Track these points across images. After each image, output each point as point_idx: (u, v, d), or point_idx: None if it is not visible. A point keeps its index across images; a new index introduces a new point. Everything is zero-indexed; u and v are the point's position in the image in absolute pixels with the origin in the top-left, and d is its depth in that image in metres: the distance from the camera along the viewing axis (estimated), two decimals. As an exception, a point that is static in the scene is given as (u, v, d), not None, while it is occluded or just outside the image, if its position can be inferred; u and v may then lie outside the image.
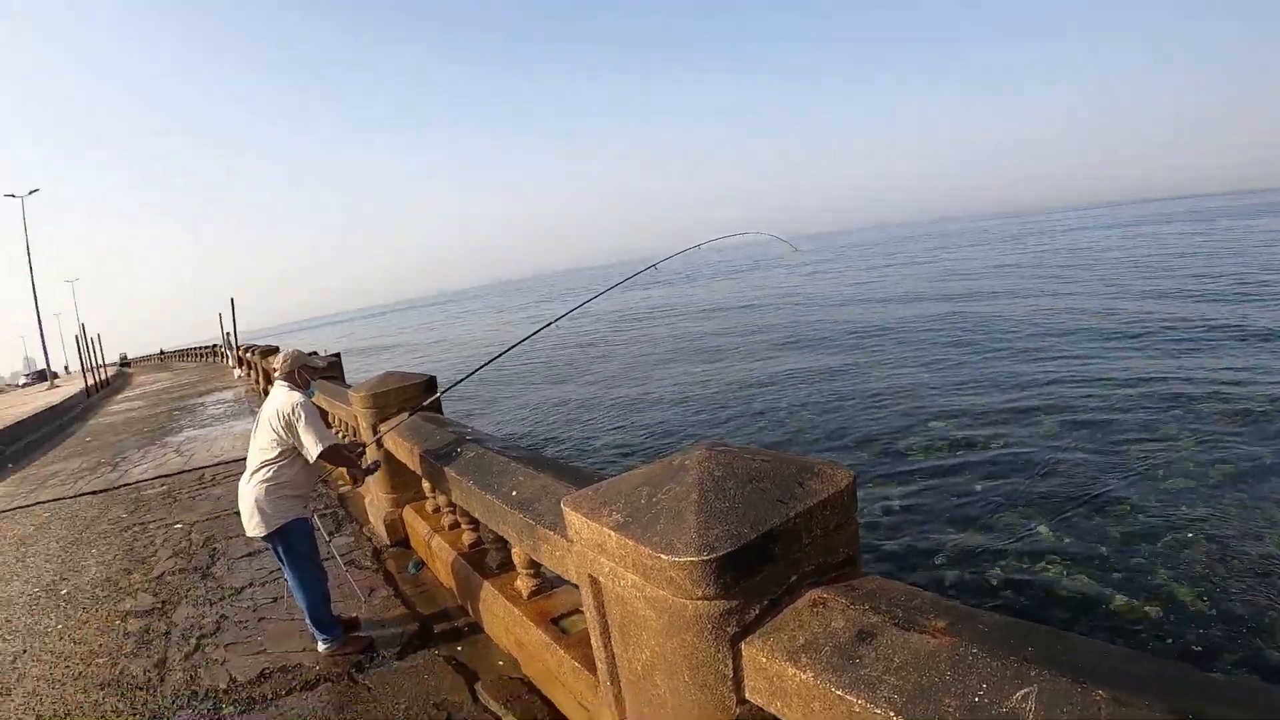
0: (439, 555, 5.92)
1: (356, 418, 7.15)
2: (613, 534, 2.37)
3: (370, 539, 7.47)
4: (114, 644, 5.87)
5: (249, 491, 4.92)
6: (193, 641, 5.69)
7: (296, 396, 4.91)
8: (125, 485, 12.04)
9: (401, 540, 7.01)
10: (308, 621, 5.14)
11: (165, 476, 12.20)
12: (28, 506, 11.59)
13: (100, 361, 42.99)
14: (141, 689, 5.10)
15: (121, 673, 5.38)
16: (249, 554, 7.42)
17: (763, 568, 2.11)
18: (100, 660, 5.63)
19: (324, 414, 6.16)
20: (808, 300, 49.36)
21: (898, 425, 16.14)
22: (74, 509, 10.88)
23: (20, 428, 20.29)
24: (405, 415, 6.25)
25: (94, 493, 11.86)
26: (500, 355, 6.00)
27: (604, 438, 19.20)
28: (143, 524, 9.33)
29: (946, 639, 1.78)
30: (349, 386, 7.45)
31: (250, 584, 6.67)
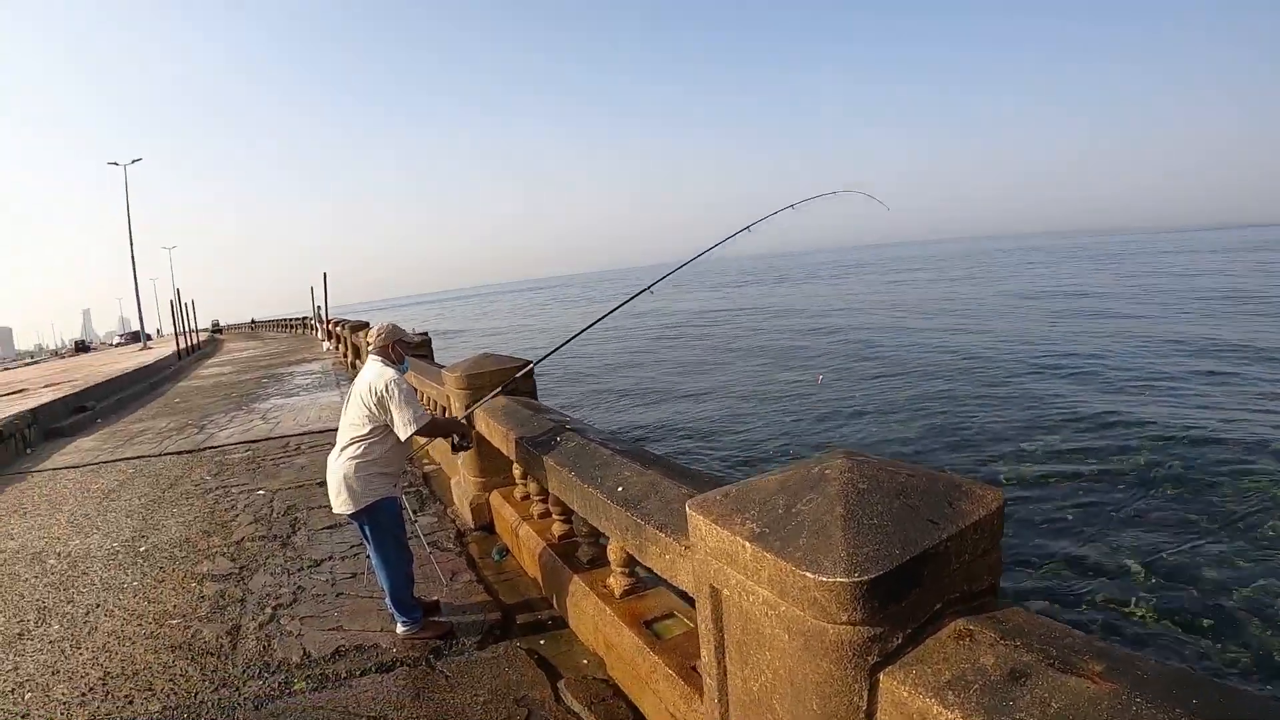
0: (525, 544, 5.61)
1: (449, 398, 6.89)
2: (747, 545, 2.18)
3: (454, 521, 7.23)
4: (188, 606, 5.71)
5: (338, 467, 4.67)
6: (268, 611, 5.48)
7: (390, 372, 4.65)
8: (210, 448, 12.07)
9: (486, 525, 6.74)
10: (388, 602, 4.88)
11: (251, 442, 12.20)
12: (113, 462, 11.68)
13: (193, 326, 43.93)
14: (213, 655, 4.91)
15: (194, 636, 5.20)
16: (330, 526, 7.22)
17: (910, 593, 1.95)
18: (173, 621, 5.46)
19: (414, 392, 5.92)
20: (897, 312, 47.77)
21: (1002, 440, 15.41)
22: (158, 467, 10.91)
23: (111, 385, 20.67)
24: (500, 397, 5.96)
25: (179, 453, 11.90)
26: (595, 323, 5.73)
27: (697, 435, 18.68)
28: (225, 488, 9.26)
29: (1106, 685, 1.64)
30: (441, 366, 7.20)
31: (330, 557, 6.45)
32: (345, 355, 23.75)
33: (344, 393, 18.12)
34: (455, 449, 5.21)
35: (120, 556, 7.00)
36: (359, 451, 4.62)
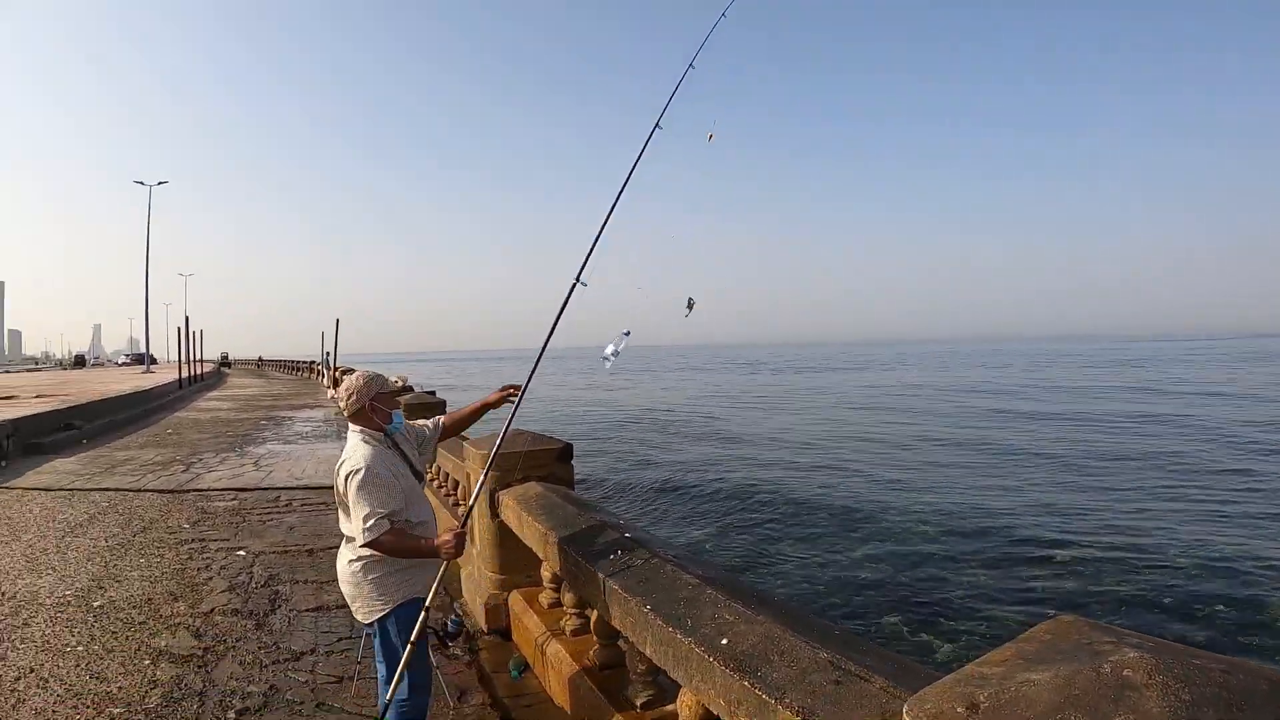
0: (554, 665, 4.61)
1: (469, 476, 5.97)
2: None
3: (463, 619, 6.10)
4: (136, 692, 4.74)
5: (343, 568, 3.72)
6: (229, 717, 4.49)
7: (359, 452, 3.58)
8: (195, 490, 11.11)
9: (502, 629, 5.71)
10: None
11: (239, 490, 11.22)
12: (88, 490, 10.75)
13: (199, 356, 43.26)
14: (154, 772, 3.94)
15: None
16: (316, 609, 6.22)
17: None
18: (115, 710, 4.50)
19: (388, 480, 4.47)
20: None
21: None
22: (135, 505, 9.96)
23: (104, 405, 19.82)
24: (533, 484, 5.07)
25: (160, 491, 10.95)
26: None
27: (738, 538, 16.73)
28: (203, 540, 8.27)
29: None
30: (464, 439, 6.22)
31: (313, 649, 5.44)
32: (345, 401, 22.86)
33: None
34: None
35: (70, 609, 6.05)
36: (361, 551, 3.59)
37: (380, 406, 3.70)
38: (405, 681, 3.53)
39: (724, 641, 2.70)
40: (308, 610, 6.22)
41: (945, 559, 14.35)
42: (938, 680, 1.79)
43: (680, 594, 3.17)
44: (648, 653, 3.19)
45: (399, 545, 3.50)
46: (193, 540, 8.25)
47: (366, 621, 3.65)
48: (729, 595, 3.03)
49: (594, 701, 4.02)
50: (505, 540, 5.52)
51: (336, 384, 30.07)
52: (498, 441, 4.69)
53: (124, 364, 71.71)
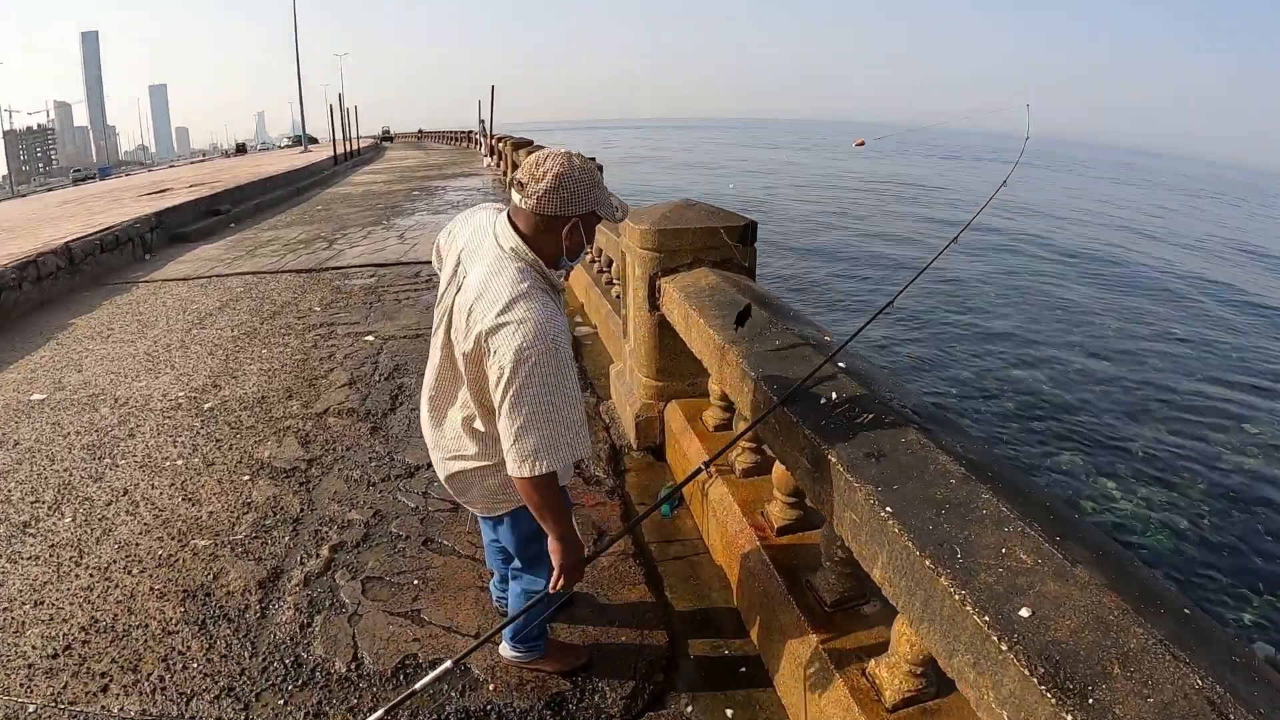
0: (717, 513, 3.53)
1: (625, 257, 4.77)
2: None
3: (608, 428, 5.11)
4: (226, 519, 4.03)
5: (437, 457, 2.47)
6: (324, 553, 3.69)
7: (533, 306, 1.99)
8: (333, 268, 10.46)
9: (654, 446, 4.66)
10: (497, 601, 3.04)
11: (378, 266, 10.51)
12: (226, 276, 10.23)
13: (355, 133, 43.06)
14: (230, 624, 3.23)
15: (216, 580, 3.52)
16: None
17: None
18: (200, 543, 3.80)
19: (567, 364, 2.89)
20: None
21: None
22: (270, 288, 9.36)
23: (254, 187, 19.49)
24: (705, 270, 3.84)
25: (298, 271, 10.36)
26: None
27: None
28: (331, 325, 7.55)
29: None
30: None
31: (428, 462, 4.58)
32: (506, 173, 21.88)
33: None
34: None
35: (180, 413, 5.41)
36: (457, 442, 2.36)
37: (584, 231, 2.12)
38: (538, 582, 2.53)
39: (1024, 613, 1.53)
40: (431, 412, 5.36)
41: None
42: None
43: (939, 492, 1.94)
44: (875, 577, 1.99)
45: (548, 501, 2.11)
46: (320, 325, 7.54)
47: (486, 516, 2.56)
48: (1020, 512, 1.80)
49: (768, 585, 2.91)
50: (665, 339, 4.37)
51: (493, 152, 29.26)
52: (660, 215, 3.44)
53: (285, 147, 73.09)
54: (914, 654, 2.11)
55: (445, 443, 2.38)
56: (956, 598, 1.62)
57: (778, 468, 2.97)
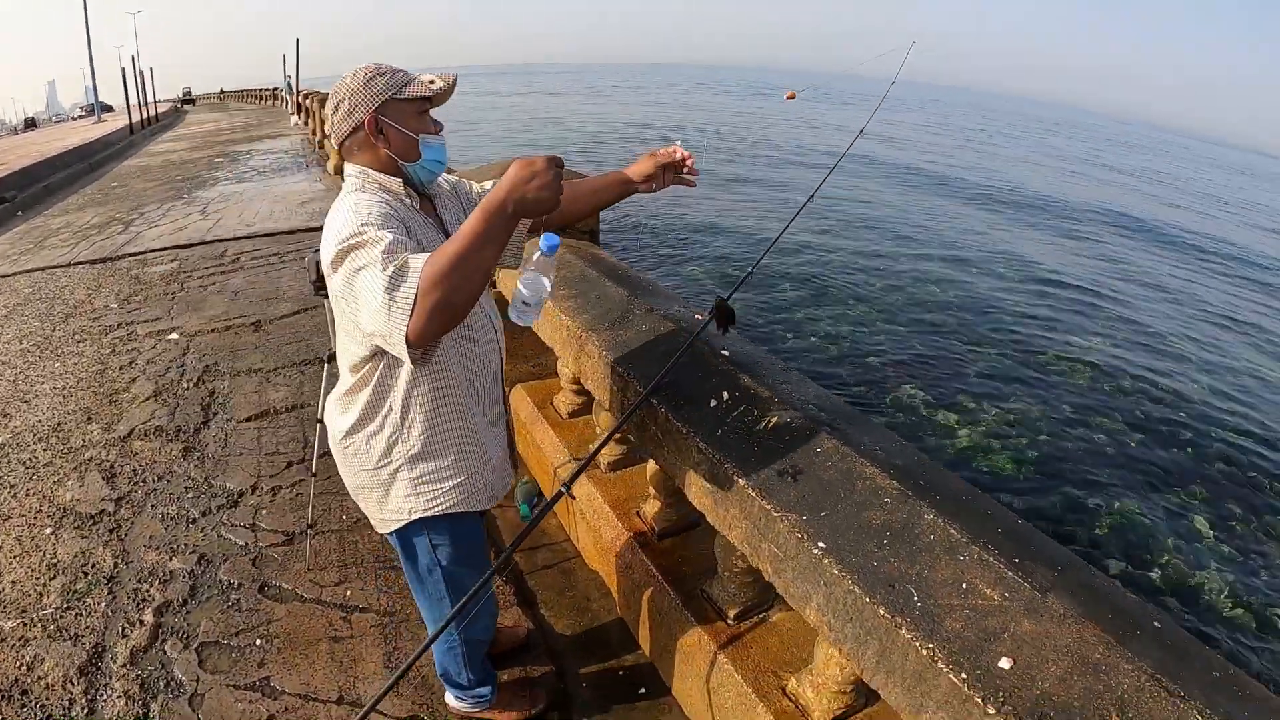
0: (586, 515, 3.19)
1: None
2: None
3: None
4: (32, 588, 3.43)
5: (336, 452, 2.07)
6: (146, 618, 3.18)
7: (346, 204, 1.74)
8: (129, 255, 9.44)
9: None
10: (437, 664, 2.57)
11: (179, 248, 9.55)
12: (11, 276, 9.12)
13: (151, 98, 39.90)
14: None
15: (29, 673, 2.95)
16: (258, 416, 4.83)
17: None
18: (6, 625, 3.22)
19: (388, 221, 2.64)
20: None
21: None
22: (61, 285, 8.36)
23: (42, 167, 17.65)
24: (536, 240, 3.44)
25: (90, 262, 9.31)
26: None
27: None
28: (130, 325, 6.76)
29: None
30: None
31: (254, 485, 4.09)
32: (314, 133, 20.62)
33: (310, 179, 15.16)
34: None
35: (-29, 447, 4.69)
36: (351, 416, 1.97)
37: (394, 125, 1.81)
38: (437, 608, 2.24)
39: (1004, 664, 1.33)
40: (248, 419, 4.81)
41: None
42: None
43: (875, 515, 1.70)
44: (809, 619, 1.72)
45: (443, 272, 1.47)
46: (119, 325, 6.75)
47: (382, 531, 2.17)
48: (971, 533, 1.62)
49: (659, 600, 2.61)
50: (505, 319, 3.94)
51: (300, 109, 27.65)
52: (489, 179, 3.01)
53: (79, 118, 67.41)
54: (844, 676, 1.88)
55: (338, 431, 2.04)
56: (924, 652, 1.38)
57: (652, 465, 2.67)
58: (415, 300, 1.46)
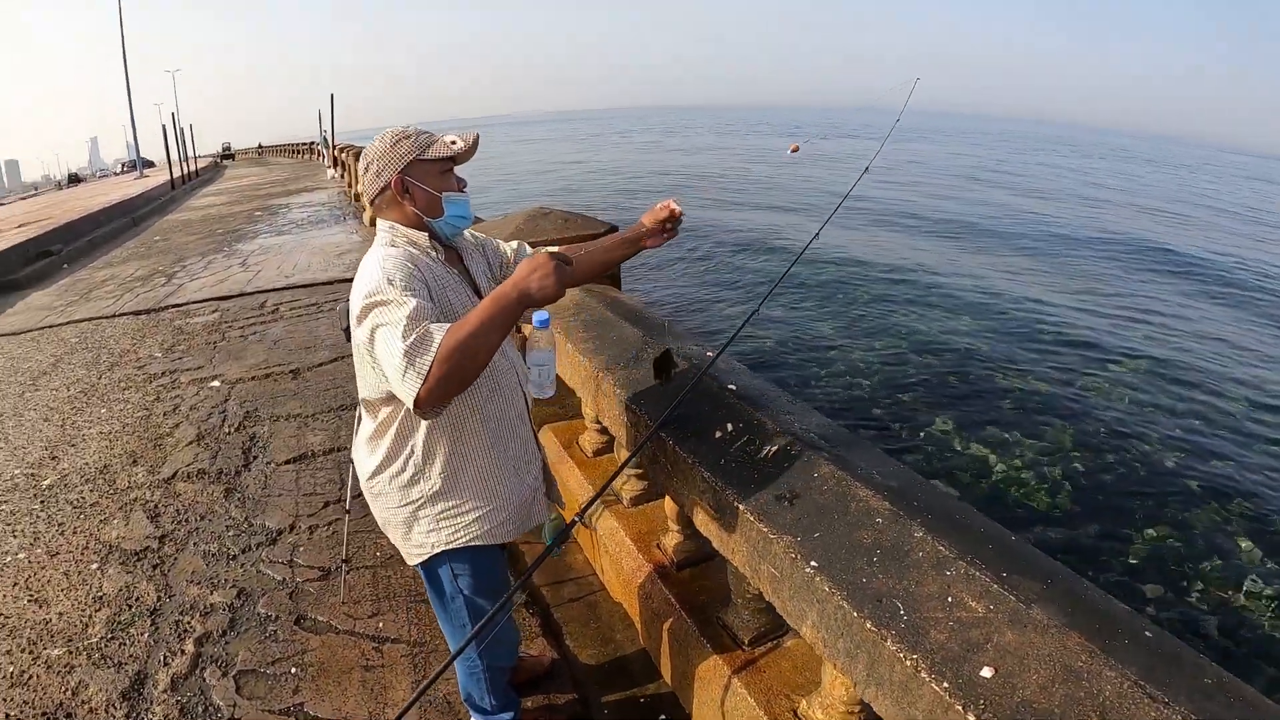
0: (609, 549, 3.33)
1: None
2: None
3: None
4: (78, 619, 3.59)
5: (365, 490, 2.23)
6: (187, 648, 3.33)
7: (374, 258, 1.93)
8: (172, 307, 9.78)
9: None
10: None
11: (221, 299, 9.89)
12: (58, 326, 9.46)
13: (191, 153, 41.03)
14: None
15: (74, 697, 3.10)
16: (296, 460, 5.00)
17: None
18: (53, 653, 3.37)
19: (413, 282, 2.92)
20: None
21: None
22: (106, 335, 8.67)
23: (86, 222, 18.22)
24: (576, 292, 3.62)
25: (135, 313, 9.64)
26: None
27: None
28: (174, 373, 7.01)
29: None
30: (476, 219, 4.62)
31: (293, 524, 4.25)
32: (350, 185, 21.16)
33: (346, 231, 15.50)
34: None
35: (17, 496, 4.85)
36: (376, 458, 2.12)
37: (419, 184, 2.01)
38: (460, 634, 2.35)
39: (986, 674, 1.42)
40: (287, 462, 4.99)
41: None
42: None
43: (866, 535, 1.81)
44: (805, 635, 1.84)
45: (456, 348, 1.68)
46: (163, 374, 7.00)
47: (411, 563, 2.29)
48: (960, 549, 1.72)
49: (678, 627, 2.73)
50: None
51: (336, 163, 28.33)
52: (514, 228, 3.18)
53: (120, 173, 69.16)
54: (850, 696, 1.98)
55: (366, 473, 2.22)
56: (908, 663, 1.48)
57: (669, 498, 2.80)
58: (430, 369, 1.67)
